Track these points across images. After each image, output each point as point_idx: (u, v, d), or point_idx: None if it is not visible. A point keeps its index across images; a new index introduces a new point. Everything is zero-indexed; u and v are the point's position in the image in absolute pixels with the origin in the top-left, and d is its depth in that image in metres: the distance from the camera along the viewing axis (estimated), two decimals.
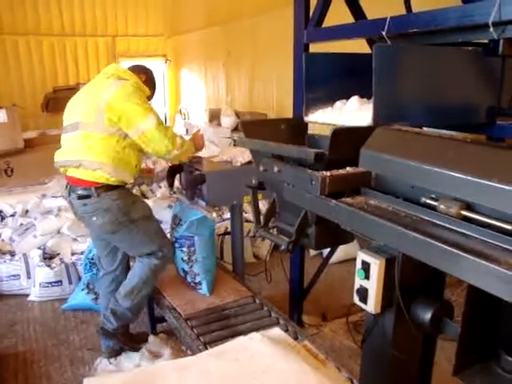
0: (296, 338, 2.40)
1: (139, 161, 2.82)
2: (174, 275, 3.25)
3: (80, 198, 2.71)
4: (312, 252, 4.69)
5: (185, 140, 2.82)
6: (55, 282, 3.99)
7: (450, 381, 1.46)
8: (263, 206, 2.26)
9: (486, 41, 2.16)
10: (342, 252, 4.34)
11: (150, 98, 2.92)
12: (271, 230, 2.04)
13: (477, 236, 1.26)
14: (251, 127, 2.17)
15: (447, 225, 1.34)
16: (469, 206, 1.31)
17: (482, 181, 1.24)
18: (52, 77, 9.97)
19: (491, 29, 1.92)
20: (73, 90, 8.36)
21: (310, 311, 3.72)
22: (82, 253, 4.10)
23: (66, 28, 10.18)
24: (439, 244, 1.23)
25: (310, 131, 2.28)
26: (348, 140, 1.66)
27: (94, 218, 2.73)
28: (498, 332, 1.43)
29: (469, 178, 1.27)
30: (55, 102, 8.60)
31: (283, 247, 1.85)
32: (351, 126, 1.95)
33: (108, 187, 2.68)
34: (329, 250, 3.74)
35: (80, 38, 10.26)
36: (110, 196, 2.69)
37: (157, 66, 11.40)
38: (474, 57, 2.08)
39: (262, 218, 2.05)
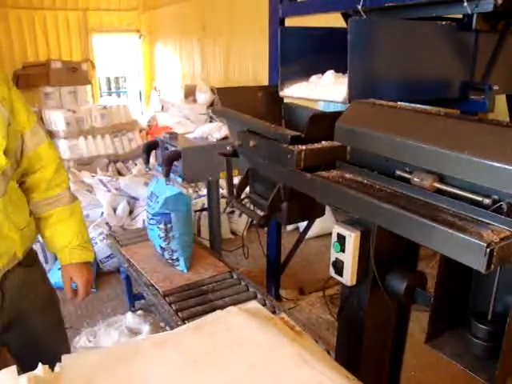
0: (273, 312, 2.43)
1: None
2: (151, 252, 3.25)
3: None
4: (289, 227, 4.73)
5: None
6: None
7: (424, 349, 1.50)
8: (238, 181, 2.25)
9: (460, 15, 2.17)
10: (318, 227, 4.38)
11: None
12: (244, 201, 2.04)
13: (449, 207, 1.29)
14: (227, 94, 2.15)
15: (421, 197, 1.36)
16: (442, 179, 1.33)
17: (454, 153, 1.26)
18: (21, 53, 9.65)
19: (465, 3, 1.93)
20: (43, 66, 8.20)
21: (287, 285, 3.77)
22: None
23: (34, 0, 9.82)
24: (413, 216, 1.25)
25: (286, 99, 2.27)
26: (325, 123, 1.66)
27: None
28: (469, 300, 1.47)
29: (441, 150, 1.29)
30: (25, 78, 8.38)
31: (255, 222, 1.86)
32: (329, 111, 1.94)
33: None
34: (305, 224, 3.78)
35: (49, 11, 9.90)
36: None
37: (131, 42, 11.18)
38: (448, 31, 2.09)
39: (235, 189, 2.05)
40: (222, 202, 3.79)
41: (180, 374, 1.21)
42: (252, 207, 2.04)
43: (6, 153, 1.49)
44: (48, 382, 1.13)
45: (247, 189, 2.10)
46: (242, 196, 2.09)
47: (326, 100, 1.98)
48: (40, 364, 1.17)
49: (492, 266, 1.08)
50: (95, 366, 1.21)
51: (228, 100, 2.03)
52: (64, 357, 1.25)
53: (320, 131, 1.65)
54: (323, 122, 1.67)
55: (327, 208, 1.79)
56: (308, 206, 1.76)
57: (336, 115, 1.62)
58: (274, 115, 2.12)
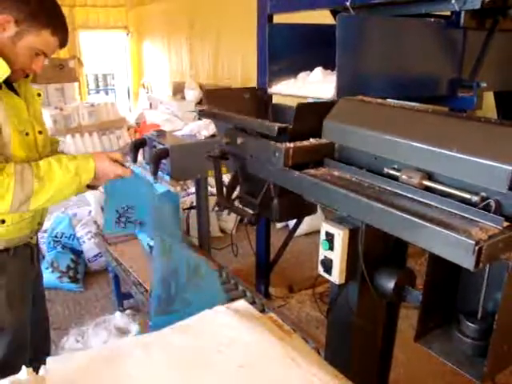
0: (263, 310, 2.42)
1: None
2: (139, 251, 3.22)
3: None
4: (278, 225, 4.71)
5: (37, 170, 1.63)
6: None
7: (413, 346, 1.50)
8: (228, 179, 2.24)
9: (448, 13, 2.17)
10: (307, 224, 4.38)
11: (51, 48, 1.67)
12: (234, 202, 2.03)
13: (438, 205, 1.28)
14: (214, 96, 2.13)
15: (409, 195, 1.35)
16: (430, 176, 1.33)
17: (443, 151, 1.25)
18: None
19: (453, 0, 1.93)
20: None
21: (276, 283, 3.76)
22: (45, 231, 4.00)
23: None
24: (401, 214, 1.25)
25: (274, 101, 2.26)
26: (312, 114, 1.65)
27: None
28: (458, 298, 1.47)
29: (430, 148, 1.28)
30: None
31: (246, 220, 1.85)
32: (315, 100, 1.94)
33: None
34: (294, 222, 3.77)
35: None
36: None
37: (118, 39, 11.10)
38: (436, 28, 2.09)
39: (224, 189, 2.04)
40: (211, 199, 3.77)
41: (167, 374, 1.19)
42: (242, 207, 2.02)
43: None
44: None
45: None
46: (232, 196, 2.08)
47: (315, 97, 1.97)
48: (23, 367, 1.14)
49: (480, 264, 1.08)
50: (81, 369, 1.19)
51: (215, 102, 2.02)
52: (49, 359, 1.23)
53: (307, 123, 1.64)
54: (310, 113, 1.66)
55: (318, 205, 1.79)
56: (299, 204, 1.75)
57: (323, 106, 1.61)
58: (262, 116, 2.11)
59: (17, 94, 1.71)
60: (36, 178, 1.60)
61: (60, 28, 1.64)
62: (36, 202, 1.62)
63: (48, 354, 2.20)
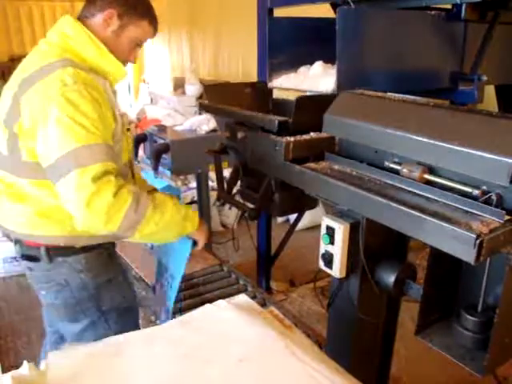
0: (264, 305, 2.43)
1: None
2: (140, 246, 3.22)
3: (25, 257, 1.69)
4: (279, 219, 4.71)
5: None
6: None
7: (414, 339, 1.50)
8: (228, 173, 2.24)
9: (449, 6, 2.15)
10: (308, 219, 4.37)
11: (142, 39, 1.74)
12: (235, 196, 2.02)
13: (439, 199, 1.28)
14: (215, 90, 2.13)
15: (410, 188, 1.35)
16: (431, 170, 1.32)
17: (444, 144, 1.25)
18: (7, 45, 9.48)
19: None
20: None
21: (278, 278, 3.76)
22: None
23: None
24: (402, 207, 1.24)
25: (274, 95, 2.26)
26: (312, 107, 1.65)
27: (43, 292, 1.74)
28: (458, 292, 1.46)
29: (431, 141, 1.28)
30: (12, 71, 8.24)
31: (246, 214, 1.85)
32: (315, 93, 1.93)
33: (69, 249, 1.62)
34: (295, 216, 3.76)
35: (35, 2, 9.74)
36: (71, 264, 1.65)
37: None
38: (437, 21, 2.08)
39: (225, 184, 2.03)
40: (212, 194, 3.77)
41: (168, 368, 1.19)
42: (242, 201, 2.02)
43: None
44: (33, 380, 1.11)
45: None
46: (233, 191, 2.07)
47: (315, 91, 1.96)
48: (25, 362, 1.15)
49: (481, 258, 1.08)
50: (82, 363, 1.20)
51: (215, 96, 2.02)
52: (50, 353, 1.23)
53: (308, 117, 1.64)
54: (310, 107, 1.66)
55: None
56: (300, 198, 1.75)
57: (323, 99, 1.60)
58: (263, 110, 2.11)
59: None
60: (152, 204, 1.52)
61: (154, 18, 1.78)
62: (142, 229, 1.49)
63: None
